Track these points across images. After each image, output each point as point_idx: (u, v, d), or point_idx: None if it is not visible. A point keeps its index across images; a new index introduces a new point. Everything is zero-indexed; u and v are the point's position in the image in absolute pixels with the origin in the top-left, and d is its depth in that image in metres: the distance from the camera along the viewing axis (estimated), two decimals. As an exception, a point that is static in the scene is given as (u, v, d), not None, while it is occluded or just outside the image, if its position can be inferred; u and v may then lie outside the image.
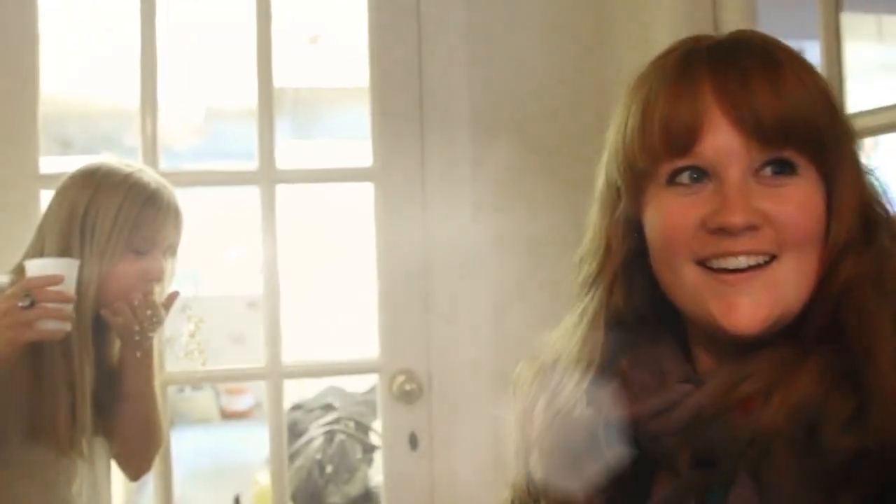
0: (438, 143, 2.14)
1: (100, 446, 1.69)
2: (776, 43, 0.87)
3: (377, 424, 3.35)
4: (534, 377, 0.97)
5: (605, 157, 0.93)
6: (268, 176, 2.07)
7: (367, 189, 2.15)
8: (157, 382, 1.72)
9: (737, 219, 0.80)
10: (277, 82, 2.08)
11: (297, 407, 4.14)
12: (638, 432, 0.86)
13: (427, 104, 2.14)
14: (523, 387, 0.98)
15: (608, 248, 0.92)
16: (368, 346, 2.19)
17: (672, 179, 0.85)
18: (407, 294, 2.14)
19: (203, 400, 7.88)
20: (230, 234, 5.96)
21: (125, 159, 1.70)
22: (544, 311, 1.99)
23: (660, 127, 0.84)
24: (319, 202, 4.33)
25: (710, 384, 0.83)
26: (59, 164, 1.78)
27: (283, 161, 2.11)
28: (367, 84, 2.16)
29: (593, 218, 0.95)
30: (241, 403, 7.97)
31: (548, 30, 2.19)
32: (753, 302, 0.82)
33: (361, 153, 2.18)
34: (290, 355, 2.14)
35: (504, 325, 2.11)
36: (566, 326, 0.96)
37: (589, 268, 0.94)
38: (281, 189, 2.10)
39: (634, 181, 0.88)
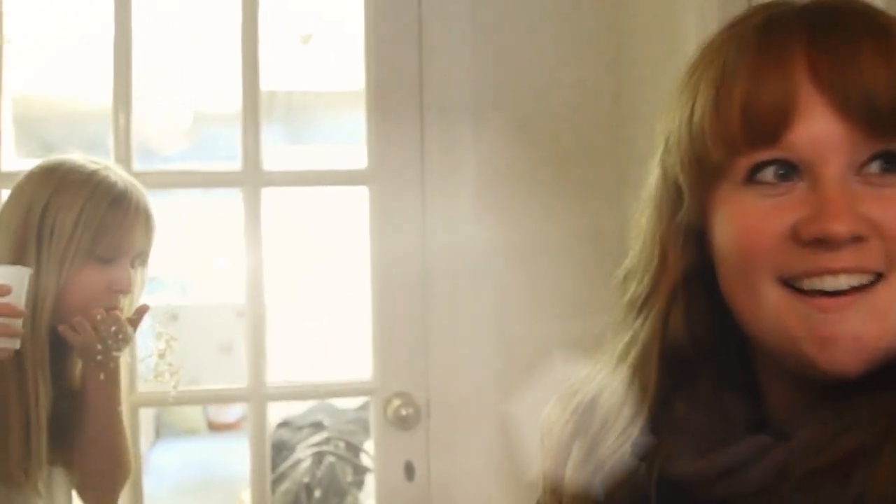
0: (439, 145, 1.98)
1: (59, 478, 1.53)
2: (880, 10, 0.70)
3: (369, 445, 3.20)
4: (568, 420, 0.79)
5: (661, 149, 0.76)
6: (253, 178, 1.90)
7: (361, 193, 1.98)
8: (124, 406, 1.56)
9: (840, 227, 0.63)
10: (268, 85, 1.92)
11: (284, 424, 4.01)
12: (700, 494, 0.69)
13: (427, 102, 1.98)
14: (554, 431, 0.80)
15: (664, 262, 0.75)
16: (361, 366, 2.02)
17: (752, 176, 0.68)
18: (403, 309, 1.97)
19: (190, 410, 7.72)
20: (220, 240, 5.82)
21: (92, 156, 1.52)
22: (558, 331, 1.85)
23: (740, 109, 0.67)
24: (309, 207, 4.16)
25: (798, 437, 0.67)
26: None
27: (272, 165, 1.95)
28: (363, 82, 2.00)
29: (644, 224, 0.78)
30: (229, 415, 7.82)
31: (558, 24, 2.05)
32: (855, 334, 0.65)
33: (356, 159, 2.02)
34: (276, 373, 1.98)
35: (511, 345, 1.95)
36: (609, 358, 0.79)
37: (638, 286, 0.77)
38: (268, 193, 1.94)
39: (702, 178, 0.71)
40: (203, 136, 5.32)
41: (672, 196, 0.75)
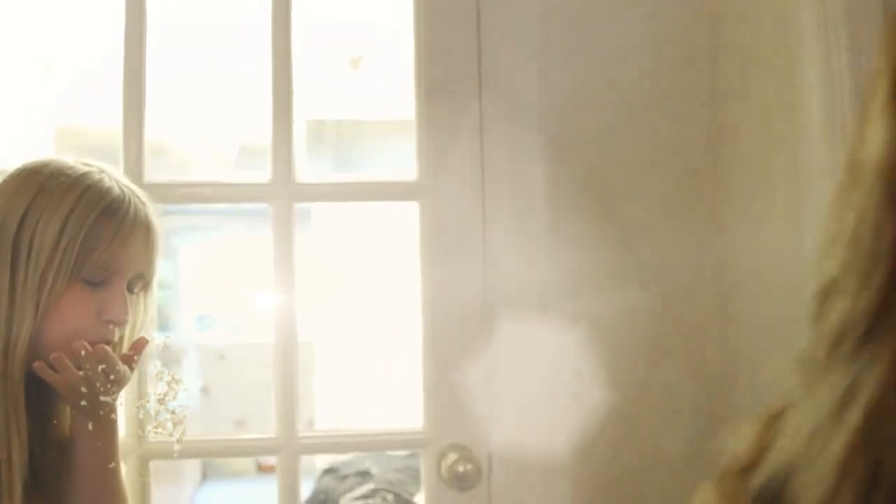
0: (502, 154, 1.72)
1: (44, 544, 1.29)
2: None
3: (421, 497, 2.95)
4: None
5: (885, 84, 0.47)
6: (284, 191, 1.64)
7: (411, 209, 1.72)
8: (126, 461, 1.37)
9: None
10: (317, 114, 1.69)
11: (330, 470, 3.82)
12: None
13: (487, 107, 1.72)
14: None
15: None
16: (411, 413, 1.76)
17: None
18: (461, 347, 1.70)
19: (237, 451, 7.64)
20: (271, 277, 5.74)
21: (85, 157, 1.28)
22: (646, 375, 1.57)
23: None
24: (352, 226, 3.94)
25: None
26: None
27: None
28: (413, 86, 1.74)
29: (856, 208, 0.48)
30: (279, 457, 7.71)
31: (641, 19, 1.79)
32: None
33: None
34: (314, 413, 1.71)
35: (588, 391, 1.68)
36: (801, 419, 0.49)
37: (854, 306, 0.47)
38: (309, 215, 1.68)
39: None
40: (249, 170, 5.26)
41: None
